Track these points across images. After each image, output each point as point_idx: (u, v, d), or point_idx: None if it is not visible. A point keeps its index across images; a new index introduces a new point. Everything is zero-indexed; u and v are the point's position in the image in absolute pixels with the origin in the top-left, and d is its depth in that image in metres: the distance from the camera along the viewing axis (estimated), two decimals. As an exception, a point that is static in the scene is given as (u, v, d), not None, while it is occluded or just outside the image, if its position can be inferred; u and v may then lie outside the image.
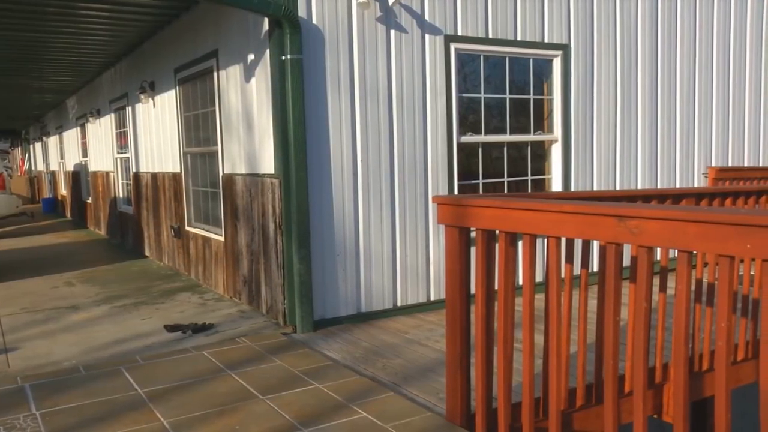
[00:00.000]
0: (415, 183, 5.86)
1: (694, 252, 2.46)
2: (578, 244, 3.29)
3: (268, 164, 5.55)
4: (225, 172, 6.57)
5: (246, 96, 5.91)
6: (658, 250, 3.68)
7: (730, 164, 8.19)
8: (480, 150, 6.34)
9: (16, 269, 8.87)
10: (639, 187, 7.31)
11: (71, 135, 15.26)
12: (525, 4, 6.31)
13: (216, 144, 6.74)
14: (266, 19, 5.26)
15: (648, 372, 2.75)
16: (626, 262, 3.44)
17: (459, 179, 6.11)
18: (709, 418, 4.90)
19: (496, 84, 6.35)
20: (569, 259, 3.13)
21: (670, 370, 3.78)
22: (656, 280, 4.09)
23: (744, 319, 4.16)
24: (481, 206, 3.16)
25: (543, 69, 6.62)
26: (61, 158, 17.12)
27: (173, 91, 7.85)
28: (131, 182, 10.31)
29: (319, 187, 5.38)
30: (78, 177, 14.98)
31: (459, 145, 6.09)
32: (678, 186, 7.65)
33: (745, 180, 7.30)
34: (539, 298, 3.06)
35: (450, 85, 5.94)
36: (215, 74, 6.55)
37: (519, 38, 6.31)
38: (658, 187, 7.48)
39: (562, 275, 3.00)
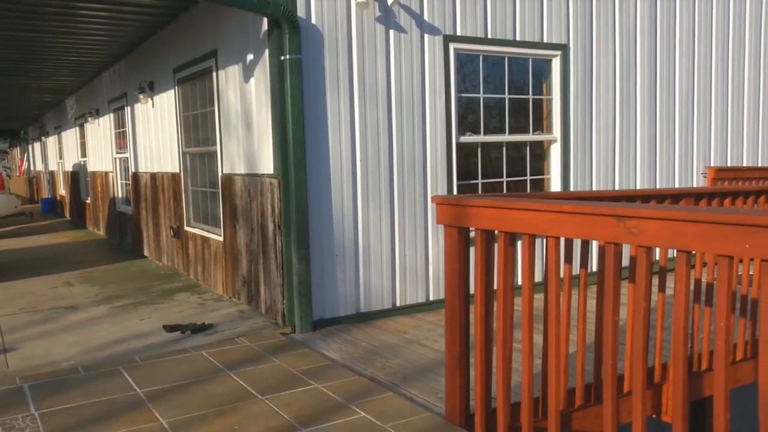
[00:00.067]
0: (414, 183, 5.86)
1: (693, 252, 2.46)
2: (577, 244, 3.29)
3: (267, 164, 5.55)
4: (224, 172, 6.56)
5: (245, 96, 5.90)
6: (657, 250, 3.69)
7: (728, 164, 8.20)
8: (479, 150, 6.34)
9: (15, 269, 8.87)
10: (638, 187, 7.31)
11: (70, 135, 15.25)
12: (524, 4, 6.32)
13: (215, 144, 6.73)
14: (265, 19, 5.26)
15: (647, 372, 2.75)
16: (625, 262, 3.45)
17: (458, 179, 6.11)
18: (708, 417, 4.90)
19: (496, 84, 6.36)
20: (568, 259, 3.13)
21: (669, 369, 3.78)
22: (655, 280, 4.09)
23: (743, 319, 4.16)
24: (480, 206, 3.16)
25: (542, 69, 6.62)
26: (60, 158, 17.11)
27: (172, 91, 7.84)
28: (130, 182, 10.31)
29: (318, 187, 5.38)
30: (77, 177, 14.97)
31: (458, 145, 6.09)
32: (677, 186, 7.66)
33: (744, 180, 7.31)
34: (538, 298, 3.06)
35: (449, 85, 5.94)
36: (214, 74, 6.55)
37: (518, 38, 6.31)
38: (657, 187, 7.48)
39: (561, 275, 3.00)
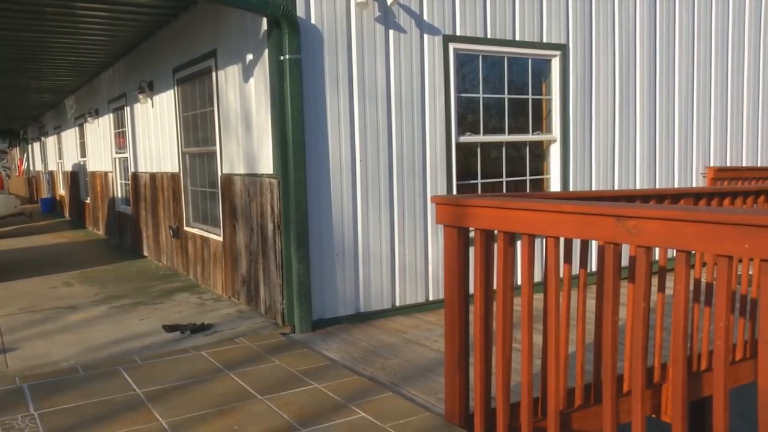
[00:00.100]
0: (414, 183, 5.86)
1: (693, 252, 2.47)
2: (577, 244, 3.29)
3: (266, 164, 5.55)
4: (223, 172, 6.56)
5: (244, 96, 5.90)
6: (657, 250, 3.69)
7: (728, 164, 8.20)
8: (479, 150, 6.34)
9: (14, 269, 8.86)
10: (637, 187, 7.31)
11: (69, 135, 15.25)
12: (524, 4, 6.32)
13: (214, 144, 6.73)
14: (265, 19, 5.26)
15: (646, 372, 2.75)
16: (625, 262, 3.45)
17: (458, 179, 6.11)
18: (708, 417, 4.90)
19: (495, 84, 6.36)
20: (568, 259, 3.13)
21: (669, 369, 3.78)
22: (655, 280, 4.09)
23: (742, 319, 4.16)
24: (479, 206, 3.16)
25: (541, 69, 6.62)
26: (60, 158, 17.11)
27: (172, 91, 7.84)
28: (130, 182, 10.30)
29: (318, 186, 5.38)
30: (76, 177, 14.97)
31: (458, 145, 6.09)
32: (676, 186, 7.66)
33: (744, 180, 7.31)
34: (538, 298, 3.06)
35: (449, 85, 5.94)
36: (214, 74, 6.55)
37: (518, 38, 6.32)
38: (657, 187, 7.48)
39: (561, 275, 3.00)
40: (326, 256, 5.47)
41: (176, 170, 7.98)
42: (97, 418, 3.60)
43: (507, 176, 6.52)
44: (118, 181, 11.25)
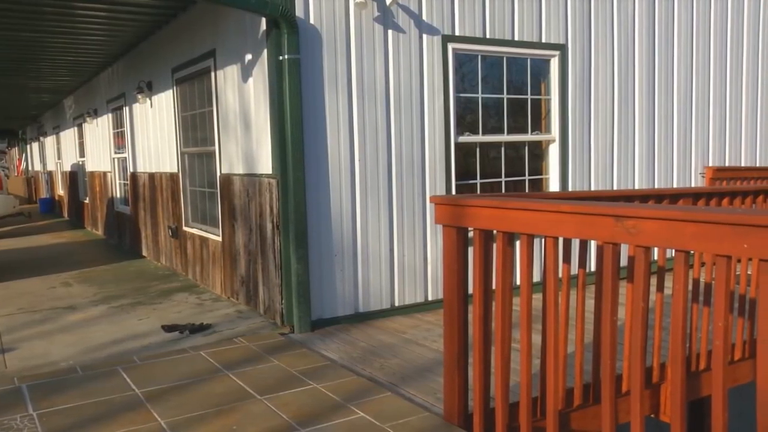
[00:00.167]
0: (413, 183, 5.86)
1: (692, 252, 2.47)
2: (576, 244, 3.29)
3: (265, 164, 5.54)
4: (222, 172, 6.56)
5: (243, 96, 5.90)
6: (656, 249, 3.69)
7: (727, 164, 8.20)
8: (477, 150, 6.34)
9: (13, 269, 8.86)
10: (636, 187, 7.32)
11: (68, 135, 15.24)
12: (522, 5, 6.32)
13: (213, 144, 6.73)
14: (263, 19, 5.26)
15: (645, 372, 2.75)
16: (624, 262, 3.45)
17: (456, 179, 6.11)
18: (707, 417, 4.90)
19: (494, 84, 6.36)
20: (567, 259, 3.13)
21: (668, 369, 3.78)
22: (654, 280, 4.09)
23: (741, 319, 4.17)
24: (478, 206, 3.16)
25: (540, 69, 6.63)
26: (58, 158, 17.10)
27: (170, 91, 7.84)
28: (128, 182, 10.30)
29: (317, 186, 5.38)
30: (75, 177, 14.96)
31: (456, 145, 6.09)
32: (675, 186, 7.67)
33: (742, 180, 7.32)
34: (537, 297, 3.06)
35: (447, 85, 5.94)
36: (212, 74, 6.55)
37: (516, 38, 6.32)
38: (656, 187, 7.49)
39: (560, 275, 3.01)
40: (325, 256, 5.47)
41: (175, 170, 7.97)
42: (95, 418, 3.60)
43: (506, 176, 6.52)
44: (117, 181, 11.25)
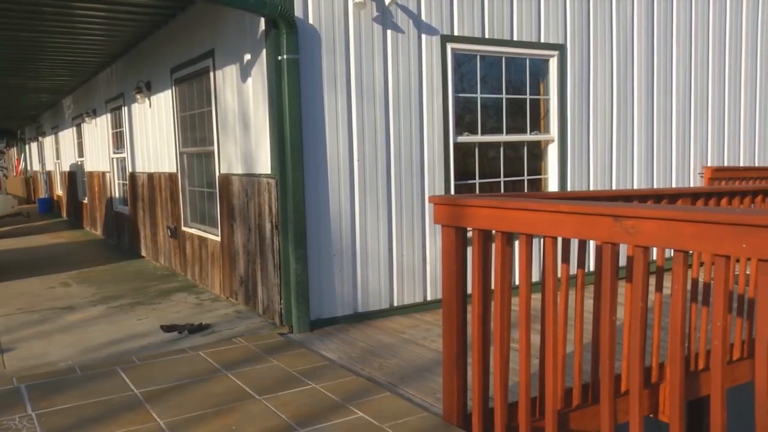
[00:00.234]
0: (412, 183, 5.86)
1: (691, 252, 2.47)
2: (574, 244, 3.29)
3: (264, 164, 5.54)
4: (221, 172, 6.56)
5: (242, 96, 5.90)
6: (655, 249, 3.69)
7: (726, 164, 8.21)
8: (476, 150, 6.34)
9: (11, 269, 8.85)
10: (635, 187, 7.32)
11: (67, 135, 15.23)
12: (521, 5, 6.32)
13: (212, 144, 6.73)
14: (262, 19, 5.26)
15: (644, 371, 2.75)
16: (622, 261, 3.45)
17: (455, 179, 6.12)
18: (705, 417, 4.91)
19: (493, 84, 6.36)
20: (566, 258, 3.13)
21: (666, 369, 3.78)
22: (652, 280, 4.09)
23: (740, 319, 4.17)
24: (477, 206, 3.16)
25: (539, 69, 6.63)
26: (57, 158, 17.08)
27: (169, 91, 7.83)
28: (127, 182, 10.29)
29: (316, 187, 5.38)
30: (74, 177, 14.95)
31: (455, 145, 6.09)
32: (674, 186, 7.67)
33: (741, 180, 7.32)
34: (536, 297, 3.06)
35: (446, 85, 5.94)
36: (211, 74, 6.54)
37: (515, 38, 6.32)
38: (655, 186, 7.49)
39: (559, 275, 3.01)
40: (324, 256, 5.47)
41: (174, 170, 7.97)
42: (94, 418, 3.60)
43: (505, 176, 6.52)
44: (116, 181, 11.24)
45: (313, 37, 5.27)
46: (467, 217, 3.21)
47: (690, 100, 7.76)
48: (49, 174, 19.34)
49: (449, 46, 5.94)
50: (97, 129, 12.01)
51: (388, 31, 5.64)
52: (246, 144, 5.91)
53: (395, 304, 5.87)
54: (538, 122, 6.71)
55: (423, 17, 5.79)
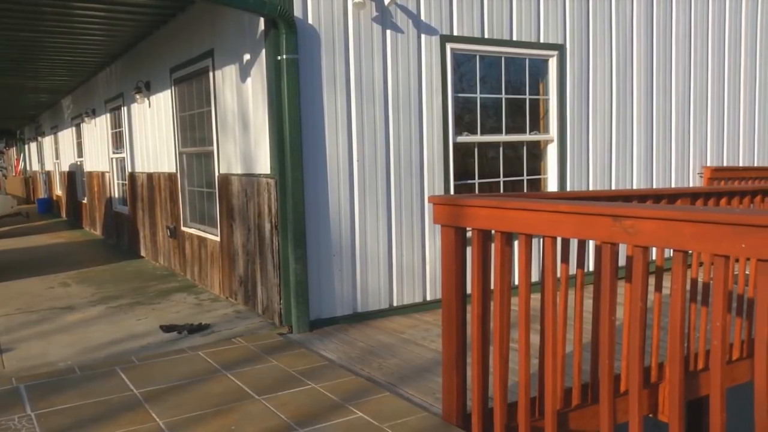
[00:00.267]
0: (411, 183, 5.86)
1: (690, 252, 2.47)
2: (574, 244, 3.29)
3: (263, 164, 5.54)
4: (221, 172, 6.56)
5: (242, 96, 5.90)
6: (654, 249, 3.69)
7: (725, 164, 8.21)
8: (476, 150, 6.34)
9: (11, 269, 8.84)
10: (634, 187, 7.32)
11: (66, 135, 15.22)
12: (521, 5, 6.32)
13: (212, 144, 6.73)
14: (262, 19, 5.26)
15: (643, 371, 2.75)
16: (622, 261, 3.45)
17: (455, 179, 6.12)
18: (705, 417, 4.91)
19: (492, 84, 6.36)
20: (565, 258, 3.13)
21: (666, 369, 3.78)
22: (652, 280, 4.09)
23: (739, 319, 4.17)
24: (477, 206, 3.16)
25: (539, 69, 6.63)
26: (57, 158, 17.07)
27: (169, 91, 7.83)
28: (127, 182, 10.29)
29: (315, 186, 5.38)
30: (73, 177, 14.95)
31: (455, 145, 6.09)
32: (673, 186, 7.67)
33: (741, 180, 7.33)
34: (535, 297, 3.06)
35: (446, 85, 5.95)
36: (211, 74, 6.54)
37: (515, 38, 6.32)
38: (654, 186, 7.50)
39: (558, 275, 3.01)
40: (324, 256, 5.47)
41: (173, 170, 7.97)
42: (94, 418, 3.60)
43: (504, 176, 6.52)
44: (115, 181, 11.24)
45: (313, 37, 5.27)
46: (467, 217, 3.21)
47: (689, 99, 7.77)
48: (48, 174, 19.33)
49: (449, 46, 5.94)
50: (97, 129, 12.00)
51: (388, 31, 5.64)
52: (245, 144, 5.91)
53: (395, 304, 5.87)
54: (538, 122, 6.71)
55: (422, 17, 5.79)
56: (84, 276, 8.25)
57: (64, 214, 17.05)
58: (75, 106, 13.72)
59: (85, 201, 13.93)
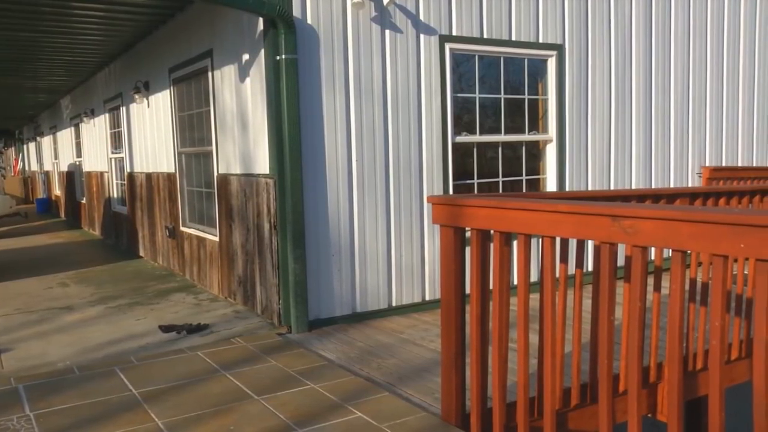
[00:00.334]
0: (410, 183, 5.86)
1: (689, 252, 2.47)
2: (573, 244, 3.29)
3: (262, 164, 5.54)
4: (220, 172, 6.56)
5: (241, 96, 5.90)
6: (653, 249, 3.70)
7: (723, 164, 8.22)
8: (475, 150, 6.34)
9: (10, 270, 8.84)
10: (633, 187, 7.33)
11: (65, 135, 15.21)
12: (520, 5, 6.32)
13: (210, 144, 6.72)
14: (261, 19, 5.26)
15: (642, 371, 2.76)
16: (621, 261, 3.45)
17: (454, 179, 6.12)
18: (703, 416, 4.92)
19: (491, 84, 6.36)
20: (564, 258, 3.14)
21: (665, 369, 3.79)
22: (651, 280, 4.09)
23: (738, 319, 4.18)
24: (476, 206, 3.16)
25: (538, 69, 6.63)
26: (55, 158, 17.06)
27: (168, 91, 7.83)
28: (125, 182, 10.29)
29: (314, 186, 5.38)
30: (72, 177, 14.94)
31: (454, 145, 6.09)
32: (672, 186, 7.68)
33: (739, 180, 7.33)
34: (534, 297, 3.06)
35: (445, 85, 5.95)
36: (210, 74, 6.54)
37: (514, 38, 6.32)
38: (653, 186, 7.50)
39: (557, 275, 3.01)
40: (323, 256, 5.47)
41: (172, 170, 7.97)
42: (93, 418, 3.60)
43: (503, 176, 6.53)
44: (114, 181, 11.23)
45: (312, 37, 5.27)
46: (466, 217, 3.21)
47: (688, 99, 7.77)
48: (47, 174, 19.31)
49: (447, 46, 5.94)
50: (96, 129, 11.99)
51: (387, 31, 5.64)
52: (244, 144, 5.91)
53: (394, 304, 5.87)
54: (537, 122, 6.71)
55: (421, 17, 5.79)
56: (83, 276, 8.25)
57: (62, 214, 17.03)
58: (74, 106, 13.72)
59: (83, 201, 13.92)
